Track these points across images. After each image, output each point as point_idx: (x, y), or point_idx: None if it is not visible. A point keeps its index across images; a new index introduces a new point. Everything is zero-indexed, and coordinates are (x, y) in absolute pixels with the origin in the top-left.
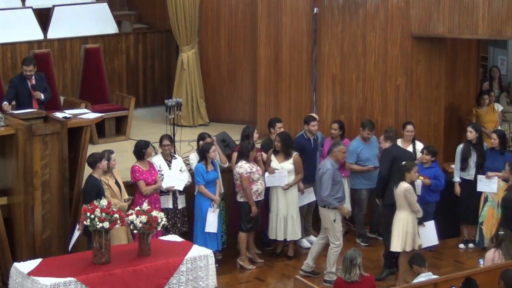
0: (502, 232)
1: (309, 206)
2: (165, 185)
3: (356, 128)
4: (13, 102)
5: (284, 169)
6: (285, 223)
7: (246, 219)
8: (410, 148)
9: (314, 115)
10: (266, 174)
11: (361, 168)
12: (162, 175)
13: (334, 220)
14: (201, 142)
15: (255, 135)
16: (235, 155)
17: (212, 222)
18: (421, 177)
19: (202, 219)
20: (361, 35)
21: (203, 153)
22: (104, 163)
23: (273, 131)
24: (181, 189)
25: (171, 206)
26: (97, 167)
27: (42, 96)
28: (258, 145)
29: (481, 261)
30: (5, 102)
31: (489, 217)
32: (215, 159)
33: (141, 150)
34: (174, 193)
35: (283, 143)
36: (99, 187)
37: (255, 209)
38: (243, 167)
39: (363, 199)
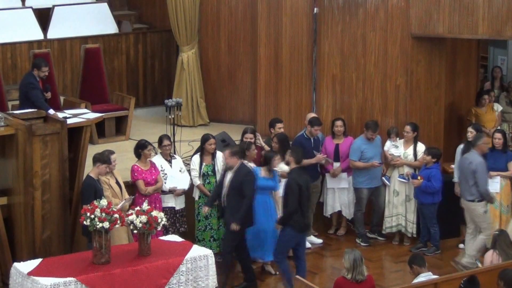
0: (496, 232)
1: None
2: (168, 185)
3: (356, 128)
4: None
5: (282, 169)
6: None
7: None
8: (410, 150)
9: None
10: None
11: (365, 164)
12: (165, 174)
13: (485, 212)
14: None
15: (245, 137)
16: None
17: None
18: (411, 178)
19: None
20: (361, 35)
21: (266, 161)
22: (104, 168)
23: (273, 131)
24: (186, 188)
25: (173, 205)
26: (96, 166)
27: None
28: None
29: (479, 262)
30: (52, 111)
31: (491, 217)
32: (276, 169)
33: (137, 150)
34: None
35: (280, 145)
36: (95, 187)
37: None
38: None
39: (363, 198)
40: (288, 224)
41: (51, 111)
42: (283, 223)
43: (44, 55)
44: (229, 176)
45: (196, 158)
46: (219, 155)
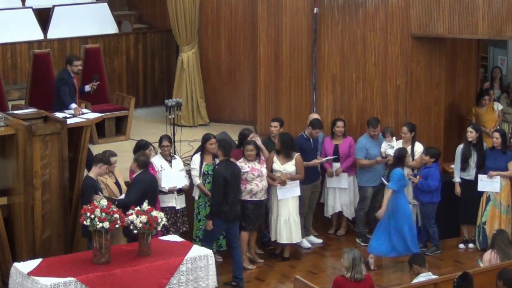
0: (495, 232)
1: (310, 205)
2: (167, 186)
3: (356, 128)
4: None
5: (286, 170)
6: (286, 226)
7: (243, 217)
8: (408, 150)
9: (318, 117)
10: (278, 186)
11: (370, 161)
12: (161, 174)
13: None
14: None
15: (249, 138)
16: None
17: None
18: (413, 177)
19: (396, 226)
20: (361, 35)
21: (400, 159)
22: (105, 168)
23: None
24: (183, 185)
25: (174, 205)
26: (98, 166)
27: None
28: None
29: (480, 262)
30: (75, 105)
31: (492, 217)
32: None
33: (138, 150)
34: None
35: (282, 145)
36: (95, 187)
37: None
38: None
39: (367, 197)
40: (215, 215)
41: (73, 105)
42: (213, 214)
43: (44, 55)
44: None
45: (197, 158)
46: None
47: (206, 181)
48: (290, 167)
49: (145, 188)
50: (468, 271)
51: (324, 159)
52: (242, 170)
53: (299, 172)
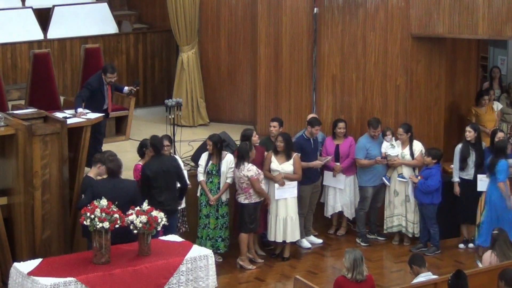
0: (496, 232)
1: (310, 206)
2: None
3: (356, 128)
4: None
5: (284, 170)
6: (284, 224)
7: (249, 220)
8: (407, 150)
9: (316, 116)
10: (276, 186)
11: (370, 161)
12: None
13: None
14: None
15: (254, 138)
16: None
17: None
18: (413, 177)
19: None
20: (361, 35)
21: (503, 150)
22: (104, 168)
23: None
24: (185, 185)
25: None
26: (97, 166)
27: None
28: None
29: (478, 262)
30: (80, 109)
31: None
32: None
33: (141, 149)
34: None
35: (286, 144)
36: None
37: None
38: (252, 169)
39: (368, 196)
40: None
41: (79, 110)
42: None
43: (44, 55)
44: None
45: (205, 155)
46: (229, 157)
47: (209, 180)
48: (288, 167)
49: (95, 194)
50: (462, 269)
51: (324, 160)
52: (256, 173)
53: (296, 172)
